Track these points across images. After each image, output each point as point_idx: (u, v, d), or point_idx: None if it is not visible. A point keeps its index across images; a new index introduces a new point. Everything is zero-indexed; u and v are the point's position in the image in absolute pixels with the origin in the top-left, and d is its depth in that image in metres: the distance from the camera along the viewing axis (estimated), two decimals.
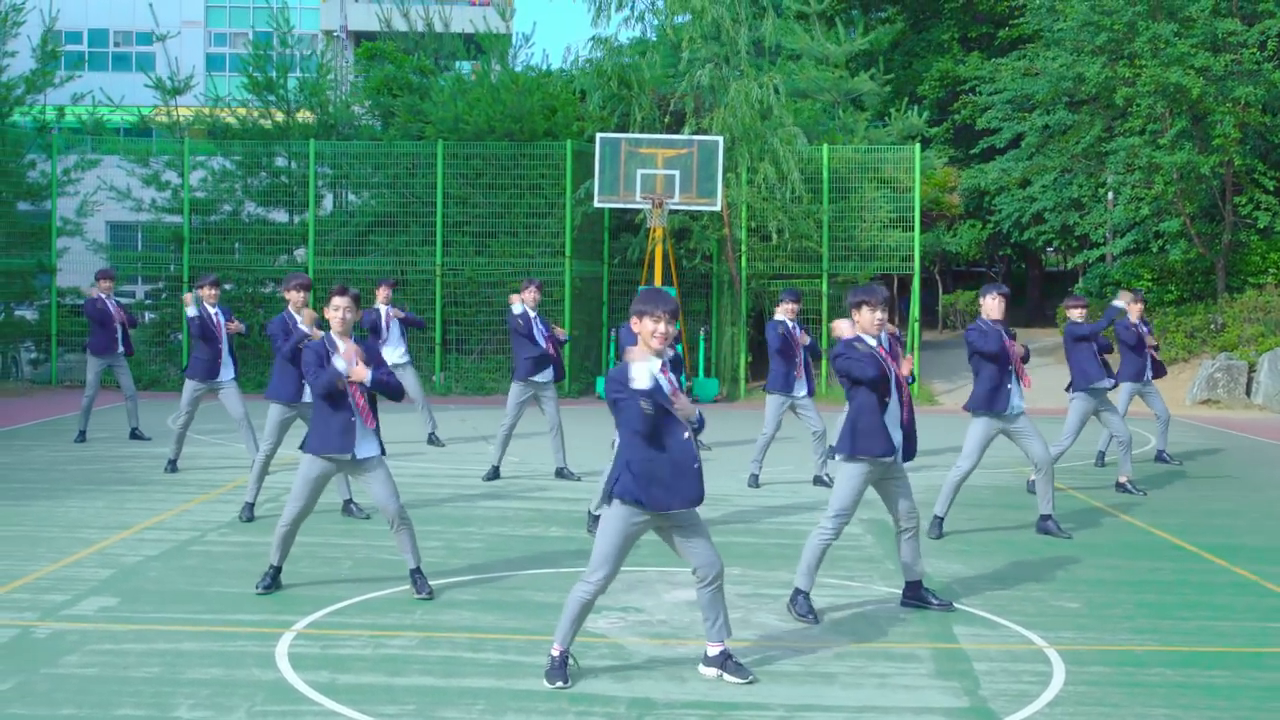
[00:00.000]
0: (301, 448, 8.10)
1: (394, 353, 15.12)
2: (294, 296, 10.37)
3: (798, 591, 7.85)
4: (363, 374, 7.87)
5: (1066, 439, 12.42)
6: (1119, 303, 13.70)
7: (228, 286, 24.34)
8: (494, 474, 12.97)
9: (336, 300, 8.09)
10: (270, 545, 8.28)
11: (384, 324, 15.27)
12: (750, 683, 6.44)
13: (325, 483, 8.18)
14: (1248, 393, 23.04)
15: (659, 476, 6.27)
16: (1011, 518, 11.23)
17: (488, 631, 7.37)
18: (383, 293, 15.41)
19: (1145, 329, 13.90)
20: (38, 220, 24.31)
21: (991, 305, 10.08)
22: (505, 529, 10.50)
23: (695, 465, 6.34)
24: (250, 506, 10.72)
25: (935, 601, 8.06)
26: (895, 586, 8.57)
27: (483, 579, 8.64)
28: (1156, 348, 14.02)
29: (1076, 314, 12.65)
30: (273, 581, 8.24)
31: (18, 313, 24.48)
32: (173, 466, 13.13)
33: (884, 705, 6.20)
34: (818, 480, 12.81)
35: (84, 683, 6.32)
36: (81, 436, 15.39)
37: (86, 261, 24.28)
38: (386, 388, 8.07)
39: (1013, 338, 10.13)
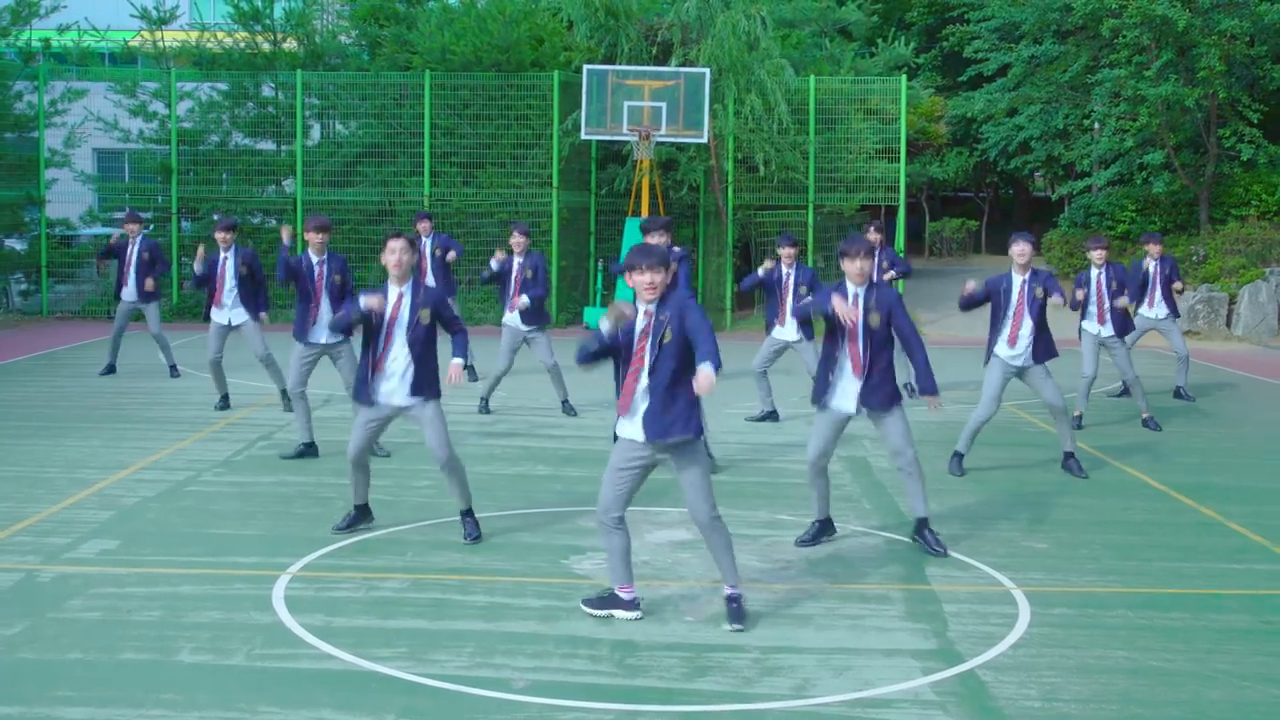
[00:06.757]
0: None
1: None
2: (313, 238, 10.56)
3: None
4: (375, 303, 7.82)
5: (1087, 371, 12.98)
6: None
7: (215, 217, 24.46)
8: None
9: (392, 244, 7.99)
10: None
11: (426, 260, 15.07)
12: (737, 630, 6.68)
13: (380, 425, 8.27)
14: (1228, 324, 23.32)
15: None
16: (985, 456, 11.48)
17: (476, 573, 7.62)
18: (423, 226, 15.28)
19: (1155, 268, 14.52)
20: (25, 151, 24.33)
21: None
22: (492, 468, 10.74)
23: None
24: (310, 445, 10.96)
25: (935, 545, 8.30)
26: (871, 527, 8.85)
27: None
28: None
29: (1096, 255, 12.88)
30: (352, 522, 8.49)
31: (7, 244, 24.57)
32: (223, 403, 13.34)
33: (855, 647, 6.47)
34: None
35: (89, 627, 6.57)
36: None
37: (74, 193, 24.35)
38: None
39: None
